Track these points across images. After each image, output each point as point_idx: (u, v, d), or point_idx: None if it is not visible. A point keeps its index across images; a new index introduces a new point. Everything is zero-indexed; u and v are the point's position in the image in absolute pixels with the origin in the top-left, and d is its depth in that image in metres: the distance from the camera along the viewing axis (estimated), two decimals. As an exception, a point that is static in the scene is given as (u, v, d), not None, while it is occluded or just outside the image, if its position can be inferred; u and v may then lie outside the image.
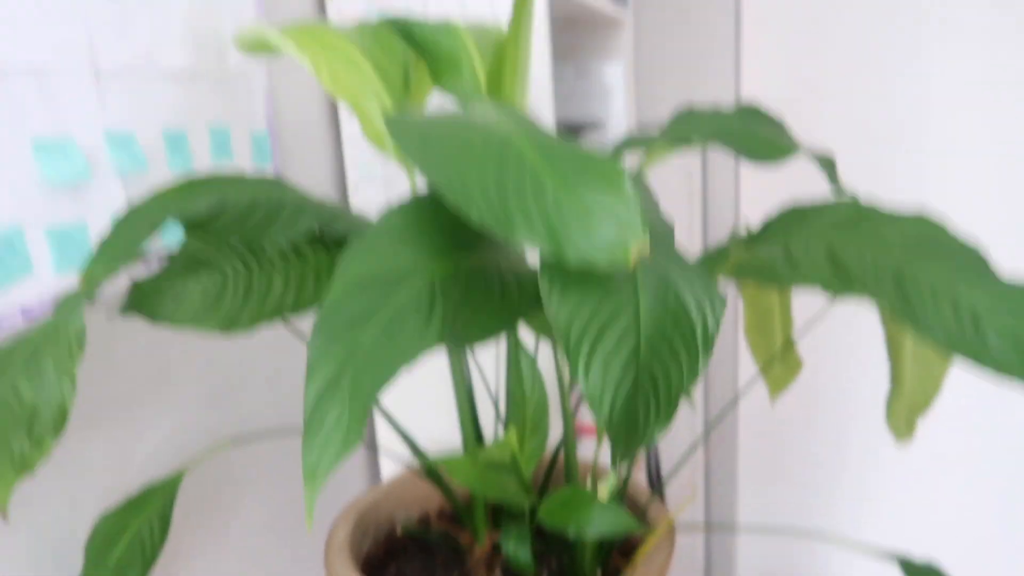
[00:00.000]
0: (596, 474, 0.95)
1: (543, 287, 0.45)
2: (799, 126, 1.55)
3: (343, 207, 1.12)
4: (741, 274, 0.52)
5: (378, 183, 1.07)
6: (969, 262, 0.50)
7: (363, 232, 0.52)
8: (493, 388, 1.11)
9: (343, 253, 0.50)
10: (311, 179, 1.07)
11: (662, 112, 1.57)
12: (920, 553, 1.55)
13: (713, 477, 1.70)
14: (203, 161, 0.84)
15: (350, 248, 0.51)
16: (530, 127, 0.49)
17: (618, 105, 1.32)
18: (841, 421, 1.70)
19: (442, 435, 1.18)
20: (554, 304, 0.45)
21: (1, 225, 0.64)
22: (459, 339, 0.48)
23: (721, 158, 1.50)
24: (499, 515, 0.92)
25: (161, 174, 0.79)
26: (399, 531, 1.01)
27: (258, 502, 1.01)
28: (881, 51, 1.54)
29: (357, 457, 1.25)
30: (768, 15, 1.56)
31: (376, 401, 0.48)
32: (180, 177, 0.63)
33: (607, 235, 0.42)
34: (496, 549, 0.92)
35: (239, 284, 0.64)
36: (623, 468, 0.95)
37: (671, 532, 0.82)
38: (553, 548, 0.92)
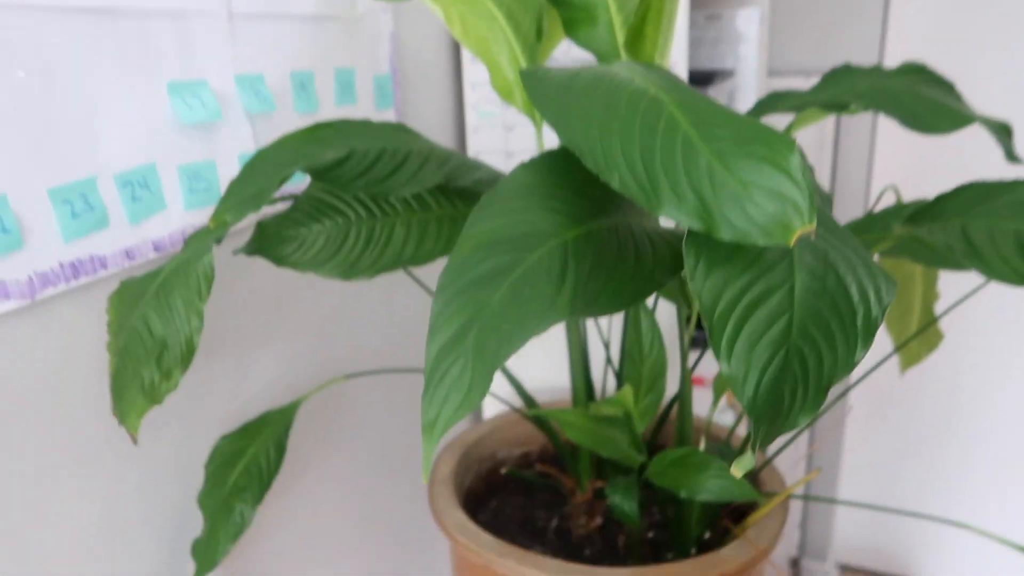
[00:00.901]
0: (710, 432, 0.93)
1: (688, 260, 0.42)
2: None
3: (461, 151, 1.11)
4: (902, 253, 0.48)
5: (497, 127, 1.05)
6: None
7: (492, 189, 0.50)
8: (606, 337, 1.09)
9: (472, 211, 0.49)
10: (430, 120, 1.05)
11: (794, 62, 1.46)
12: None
13: (819, 444, 1.65)
14: (327, 102, 0.84)
15: (480, 205, 0.49)
16: (681, 89, 0.45)
17: (750, 54, 1.24)
18: (957, 403, 1.60)
19: (545, 374, 1.17)
20: (699, 279, 0.42)
21: (137, 162, 0.65)
22: (590, 308, 0.46)
23: (859, 116, 1.40)
24: (603, 463, 0.91)
25: (287, 114, 0.79)
26: (502, 470, 1.02)
27: (364, 435, 1.04)
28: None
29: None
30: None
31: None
32: (309, 124, 0.63)
33: (767, 214, 0.38)
34: (597, 495, 0.91)
35: (361, 231, 0.64)
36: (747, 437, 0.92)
37: (785, 501, 0.80)
38: (658, 501, 0.91)
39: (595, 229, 0.50)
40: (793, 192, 0.38)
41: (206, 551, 0.73)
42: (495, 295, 0.46)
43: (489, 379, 0.45)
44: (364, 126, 0.63)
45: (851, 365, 0.42)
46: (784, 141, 0.40)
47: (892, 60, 1.47)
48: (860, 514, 1.78)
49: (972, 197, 0.52)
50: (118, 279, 0.67)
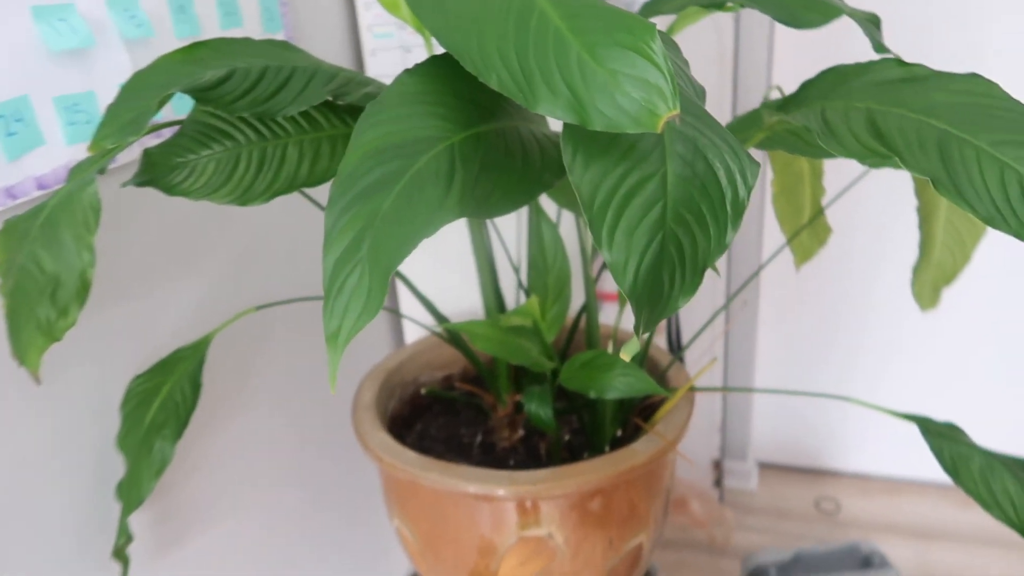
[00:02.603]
0: (617, 339, 0.96)
1: (566, 155, 0.43)
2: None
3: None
4: (773, 144, 0.50)
5: (395, 49, 1.03)
6: (1022, 126, 0.47)
7: (378, 97, 0.50)
8: (515, 256, 1.11)
9: (359, 120, 0.49)
10: (324, 43, 1.03)
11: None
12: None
13: (732, 342, 1.72)
14: (211, 25, 0.81)
15: (365, 114, 0.49)
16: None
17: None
18: (864, 290, 1.69)
19: (463, 302, 1.19)
20: (577, 172, 0.43)
21: (7, 94, 0.62)
22: (480, 208, 0.47)
23: (756, 18, 1.42)
24: (521, 377, 0.94)
25: (168, 39, 0.76)
26: (424, 392, 1.04)
27: (284, 367, 1.04)
28: None
29: (381, 321, 1.27)
30: None
31: (397, 269, 0.47)
32: (186, 44, 0.61)
33: (635, 102, 0.40)
34: (518, 409, 0.94)
35: (252, 154, 0.63)
36: (644, 334, 0.96)
37: (691, 395, 0.84)
38: (574, 407, 0.95)
39: (482, 133, 0.50)
40: (657, 78, 0.40)
41: (130, 490, 0.73)
42: (386, 202, 0.46)
43: (386, 284, 0.46)
44: (245, 44, 0.61)
45: (723, 246, 0.44)
46: (645, 26, 0.41)
47: None
48: (776, 413, 1.88)
49: (832, 81, 0.55)
50: (2, 219, 0.64)
